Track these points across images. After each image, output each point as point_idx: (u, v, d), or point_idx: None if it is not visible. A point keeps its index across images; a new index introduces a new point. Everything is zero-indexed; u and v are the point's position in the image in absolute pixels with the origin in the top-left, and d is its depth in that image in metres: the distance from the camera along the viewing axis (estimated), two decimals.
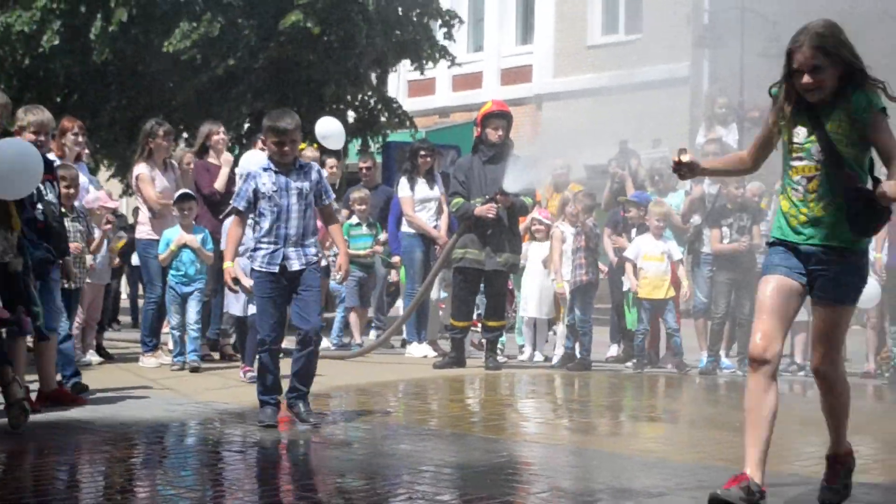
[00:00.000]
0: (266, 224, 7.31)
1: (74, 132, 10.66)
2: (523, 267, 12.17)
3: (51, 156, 9.71)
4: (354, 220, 13.36)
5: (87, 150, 11.69)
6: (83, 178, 10.65)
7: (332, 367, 10.57)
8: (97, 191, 11.12)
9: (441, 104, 27.60)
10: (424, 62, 19.98)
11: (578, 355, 11.54)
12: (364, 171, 14.59)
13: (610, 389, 10.34)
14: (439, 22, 19.68)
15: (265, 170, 7.40)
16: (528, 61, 26.80)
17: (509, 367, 11.61)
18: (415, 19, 19.48)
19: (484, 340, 11.57)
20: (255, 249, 7.42)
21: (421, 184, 12.64)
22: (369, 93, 20.99)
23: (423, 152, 12.81)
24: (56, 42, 17.36)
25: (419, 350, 12.50)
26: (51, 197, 8.06)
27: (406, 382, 10.29)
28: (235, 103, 18.80)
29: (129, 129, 19.66)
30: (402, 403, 9.17)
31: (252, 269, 7.46)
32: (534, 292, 12.18)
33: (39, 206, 7.84)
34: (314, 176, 7.45)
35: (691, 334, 11.94)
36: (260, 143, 11.75)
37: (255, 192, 7.35)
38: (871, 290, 10.85)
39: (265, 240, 7.32)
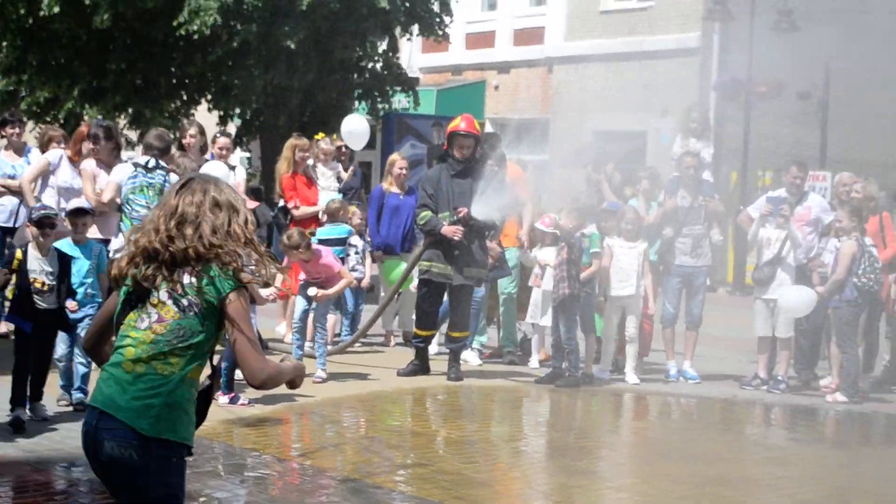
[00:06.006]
0: None
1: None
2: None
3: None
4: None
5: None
6: None
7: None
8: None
9: (454, 62, 27.52)
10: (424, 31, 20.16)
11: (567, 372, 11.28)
12: (343, 150, 14.03)
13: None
14: None
15: None
16: (540, 23, 26.66)
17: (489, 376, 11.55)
18: None
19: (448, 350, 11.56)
20: None
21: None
22: (375, 57, 21.00)
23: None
24: (56, 9, 17.46)
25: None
26: None
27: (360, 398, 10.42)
28: (248, 73, 18.81)
29: (135, 93, 19.88)
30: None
31: None
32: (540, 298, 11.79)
33: None
34: None
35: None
36: (217, 150, 11.81)
37: None
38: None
39: None
